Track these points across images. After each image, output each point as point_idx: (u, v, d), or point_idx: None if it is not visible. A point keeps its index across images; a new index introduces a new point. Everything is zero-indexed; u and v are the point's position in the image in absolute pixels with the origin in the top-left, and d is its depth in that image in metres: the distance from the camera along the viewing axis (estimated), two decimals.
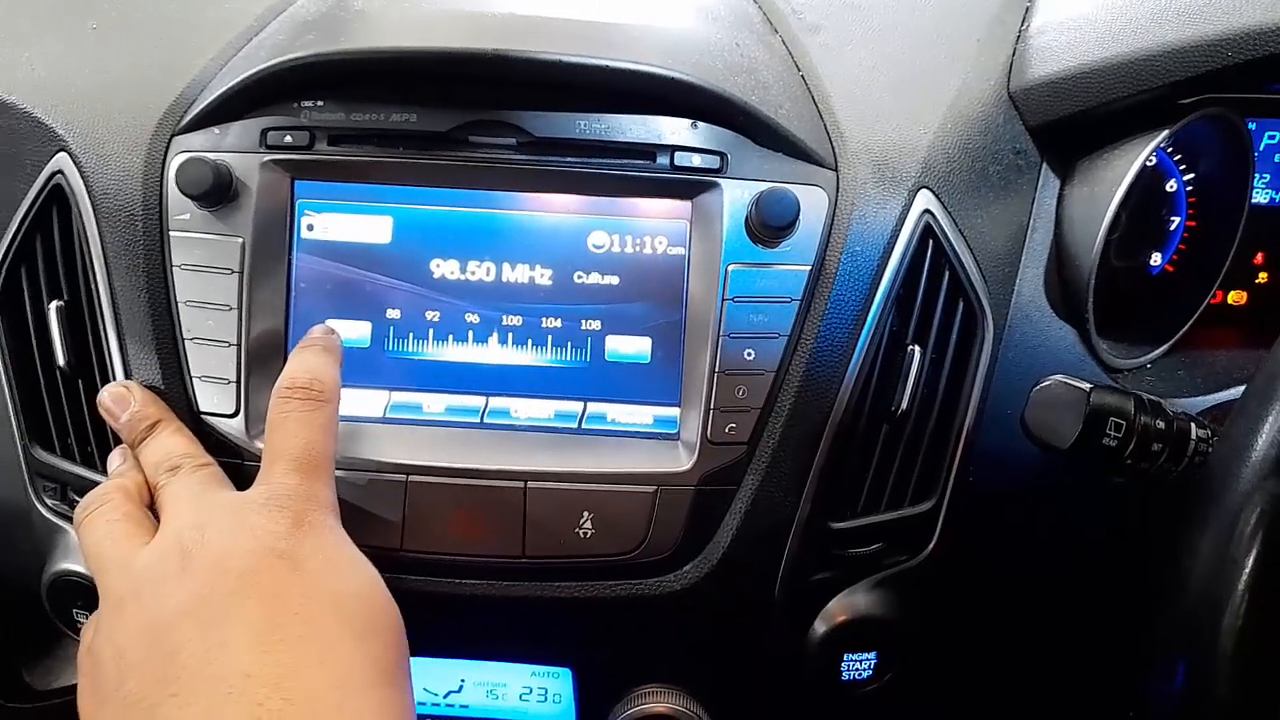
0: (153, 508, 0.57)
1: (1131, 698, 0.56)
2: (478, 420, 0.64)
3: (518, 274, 0.63)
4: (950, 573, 0.66)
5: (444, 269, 0.63)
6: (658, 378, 0.63)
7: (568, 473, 0.61)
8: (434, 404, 0.64)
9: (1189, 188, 0.73)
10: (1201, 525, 0.46)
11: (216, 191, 0.60)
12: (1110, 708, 0.69)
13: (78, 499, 0.59)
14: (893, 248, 0.62)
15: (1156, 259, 0.75)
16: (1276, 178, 0.76)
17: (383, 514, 0.61)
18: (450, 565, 0.62)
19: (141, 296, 0.62)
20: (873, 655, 0.66)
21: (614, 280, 0.63)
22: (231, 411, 0.62)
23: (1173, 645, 0.48)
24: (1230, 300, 0.79)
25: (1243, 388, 0.49)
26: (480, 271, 0.63)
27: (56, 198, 0.63)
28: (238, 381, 0.62)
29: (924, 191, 0.63)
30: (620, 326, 0.63)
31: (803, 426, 0.61)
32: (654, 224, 0.63)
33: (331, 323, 0.63)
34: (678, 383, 0.63)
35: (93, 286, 0.63)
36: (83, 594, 0.64)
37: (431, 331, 0.64)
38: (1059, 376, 0.56)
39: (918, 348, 0.62)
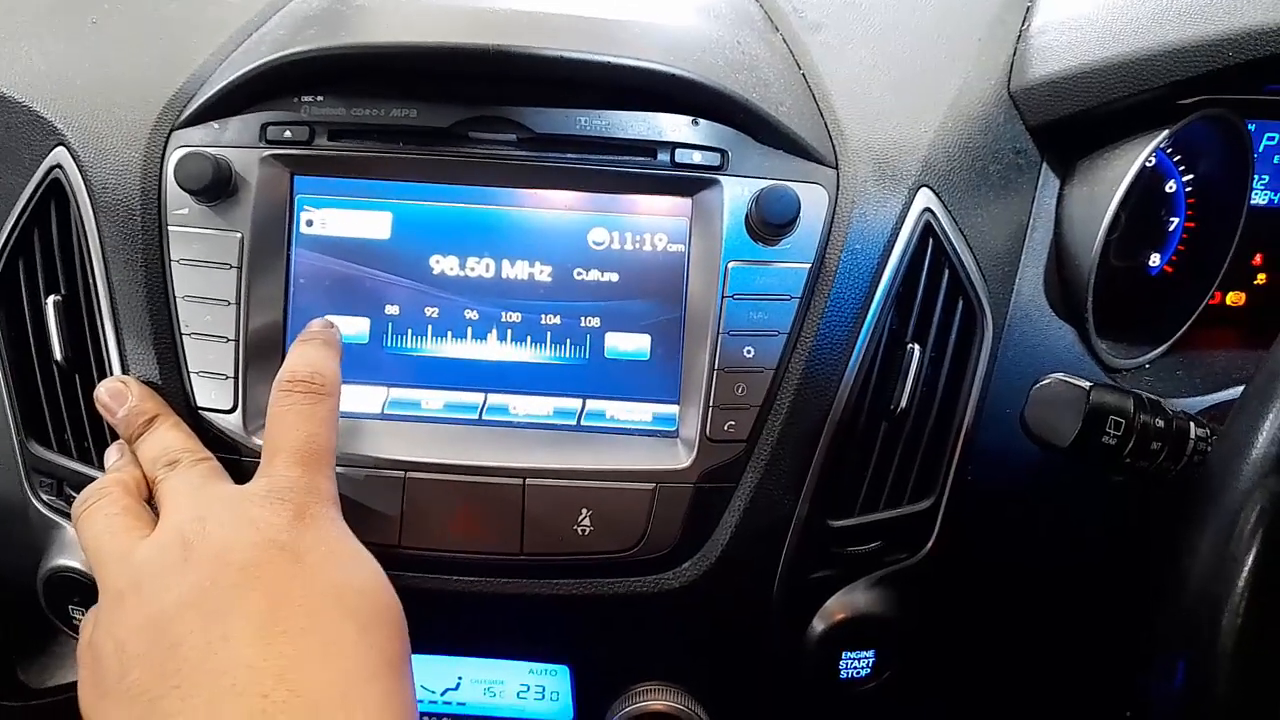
0: (150, 503, 0.57)
1: (1130, 696, 0.56)
2: (476, 417, 0.64)
3: (517, 270, 0.63)
4: (949, 571, 0.66)
5: (443, 265, 0.63)
6: (657, 375, 0.63)
7: (566, 470, 0.61)
8: (432, 400, 0.64)
9: (1188, 188, 0.73)
10: (1201, 523, 0.46)
11: (216, 186, 0.60)
12: (1109, 706, 0.70)
13: (74, 495, 0.59)
14: (893, 246, 0.62)
15: (1155, 259, 0.75)
16: (1276, 179, 0.76)
17: (380, 511, 0.61)
18: (448, 562, 0.62)
19: (139, 291, 0.62)
20: (871, 653, 0.66)
21: (614, 277, 0.63)
22: (229, 407, 0.61)
23: (1172, 644, 0.48)
24: (1229, 301, 0.79)
25: (1241, 388, 0.49)
26: (480, 268, 0.63)
27: (55, 192, 0.63)
28: (236, 377, 0.61)
29: (924, 190, 0.62)
30: (620, 323, 0.63)
31: (802, 424, 0.61)
32: (654, 221, 0.63)
33: (330, 318, 0.63)
34: (677, 380, 0.63)
35: (90, 281, 0.62)
36: (79, 590, 0.64)
37: (430, 328, 0.64)
38: (1058, 375, 0.56)
39: (917, 346, 0.62)
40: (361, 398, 0.64)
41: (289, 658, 0.45)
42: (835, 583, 0.65)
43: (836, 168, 0.63)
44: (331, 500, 0.54)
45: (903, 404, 0.62)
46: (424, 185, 0.63)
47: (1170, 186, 0.73)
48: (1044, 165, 0.67)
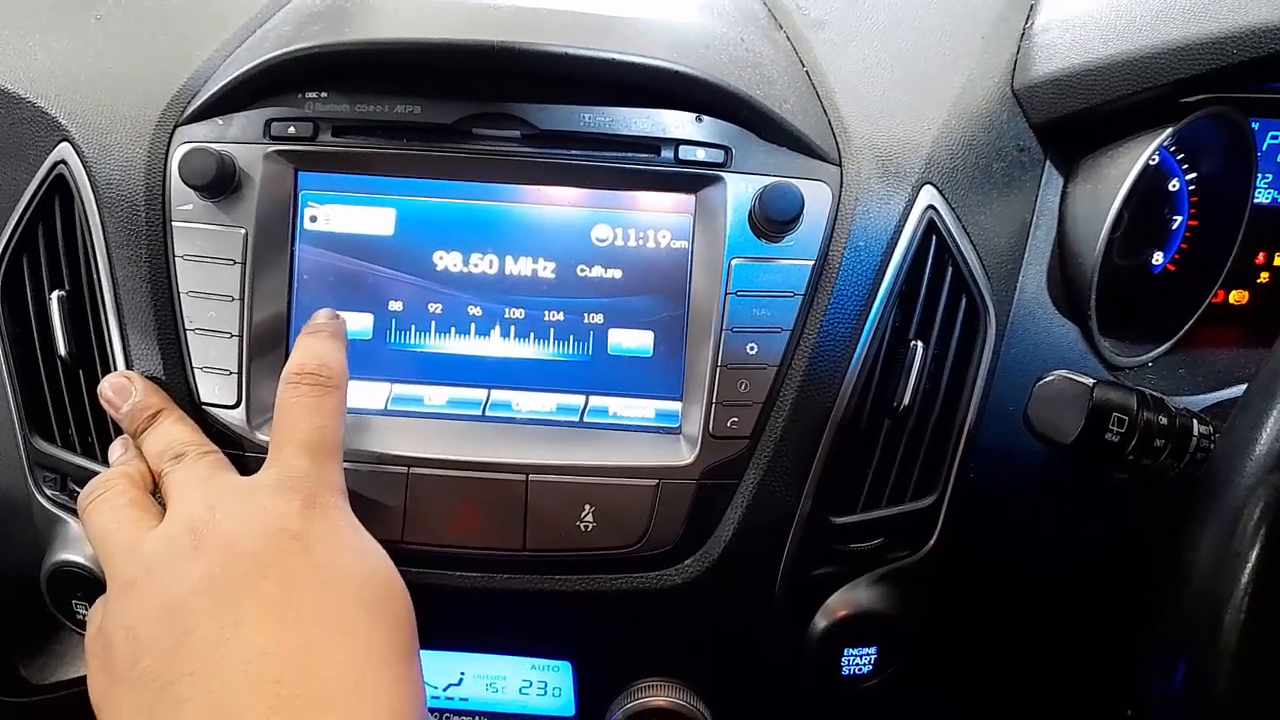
0: (156, 496, 0.57)
1: (1132, 694, 0.56)
2: (479, 413, 0.64)
3: (520, 267, 0.63)
4: (951, 568, 0.66)
5: (447, 261, 0.63)
6: (660, 371, 0.63)
7: (569, 465, 0.61)
8: (436, 396, 0.64)
9: (1191, 187, 0.73)
10: (1204, 520, 0.46)
11: (220, 182, 0.60)
12: (1111, 704, 0.70)
13: (78, 490, 0.59)
14: (896, 243, 0.62)
15: (1159, 258, 0.75)
16: (1279, 178, 0.76)
17: (384, 506, 0.61)
18: (451, 557, 0.62)
19: (143, 287, 0.62)
20: (873, 650, 0.66)
21: (617, 274, 0.63)
22: (233, 402, 0.61)
23: (1174, 642, 0.48)
24: (1232, 300, 0.79)
25: (1244, 386, 0.49)
26: (483, 264, 0.63)
27: (59, 187, 0.63)
28: (239, 372, 0.61)
29: (927, 187, 0.63)
30: (623, 320, 0.63)
31: (805, 421, 0.61)
32: (657, 218, 0.63)
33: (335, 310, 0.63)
34: (680, 377, 0.63)
35: (94, 276, 0.62)
36: (83, 585, 0.64)
37: (434, 324, 0.64)
38: (1062, 372, 0.56)
39: (920, 343, 0.62)
40: (365, 393, 0.64)
41: (301, 644, 0.46)
42: (837, 579, 0.65)
43: (840, 165, 0.63)
44: (340, 490, 0.55)
45: (905, 401, 0.62)
46: (427, 181, 0.63)
47: (1174, 185, 0.73)
48: (1047, 163, 0.67)
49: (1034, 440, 0.57)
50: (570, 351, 0.64)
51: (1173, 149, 0.72)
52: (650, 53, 0.60)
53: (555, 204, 0.63)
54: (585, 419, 0.64)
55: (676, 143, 0.62)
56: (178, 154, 0.61)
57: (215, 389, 0.62)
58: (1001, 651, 0.75)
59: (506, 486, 0.61)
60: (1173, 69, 0.60)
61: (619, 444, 0.63)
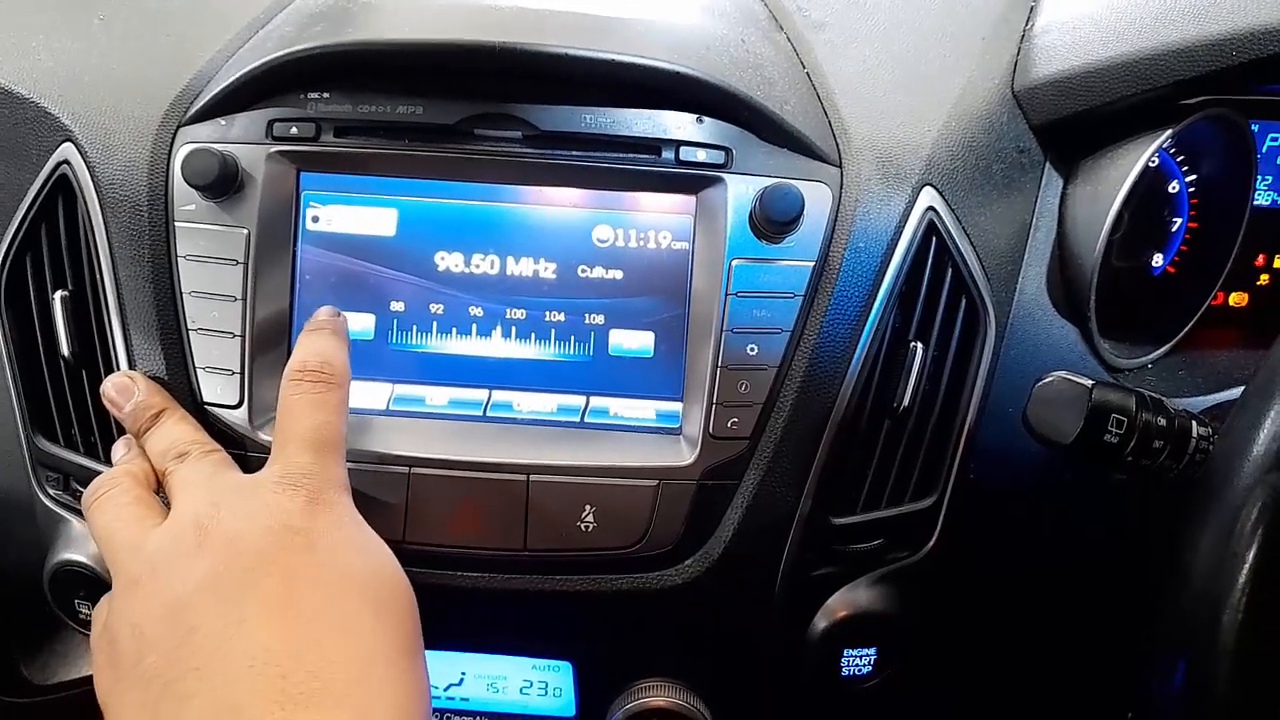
0: (159, 495, 0.57)
1: (1132, 695, 0.56)
2: (480, 413, 0.64)
3: (522, 268, 0.64)
4: (951, 569, 0.66)
5: (448, 262, 0.64)
6: (660, 372, 0.64)
7: (570, 466, 0.61)
8: (437, 397, 0.64)
9: (1191, 189, 0.73)
10: (1202, 520, 0.46)
11: (222, 182, 0.61)
12: (1111, 704, 0.70)
13: (81, 489, 0.60)
14: (896, 244, 0.62)
15: (1158, 260, 0.75)
16: (1278, 180, 0.76)
17: (385, 506, 0.61)
18: (452, 558, 0.62)
19: (146, 287, 0.62)
20: (873, 651, 0.66)
21: (618, 274, 0.63)
22: (235, 402, 0.62)
23: (1173, 642, 0.48)
24: (1231, 301, 0.79)
25: (1243, 388, 0.49)
26: (484, 265, 0.64)
27: (62, 187, 0.63)
28: (242, 372, 0.62)
29: (928, 189, 0.63)
30: (624, 321, 0.64)
31: (805, 422, 0.62)
32: (658, 219, 0.63)
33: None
34: (680, 377, 0.63)
35: (97, 276, 0.63)
36: (85, 584, 0.64)
37: (435, 324, 0.64)
38: (1061, 373, 0.56)
39: (920, 344, 0.62)
40: (366, 394, 0.64)
41: (306, 640, 0.46)
42: (837, 580, 0.65)
43: (840, 166, 0.63)
44: (344, 487, 0.55)
45: (905, 402, 0.62)
46: (429, 182, 0.63)
47: (1173, 187, 0.73)
48: (1047, 164, 0.67)
49: (1033, 441, 0.57)
50: (571, 352, 0.64)
51: (1173, 151, 0.72)
52: (651, 54, 0.60)
53: (556, 205, 0.64)
54: (586, 419, 0.64)
55: (677, 144, 0.62)
56: (180, 154, 0.62)
57: (218, 389, 0.62)
58: (1001, 652, 0.75)
59: (507, 487, 0.61)
60: (1172, 71, 0.60)
61: (620, 444, 0.63)
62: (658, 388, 0.64)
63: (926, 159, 0.63)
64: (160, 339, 0.62)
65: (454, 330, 0.64)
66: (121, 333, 0.62)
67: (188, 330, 0.62)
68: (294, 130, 0.62)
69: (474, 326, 0.64)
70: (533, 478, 0.61)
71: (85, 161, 0.62)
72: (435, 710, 0.73)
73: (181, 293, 0.62)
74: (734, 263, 0.61)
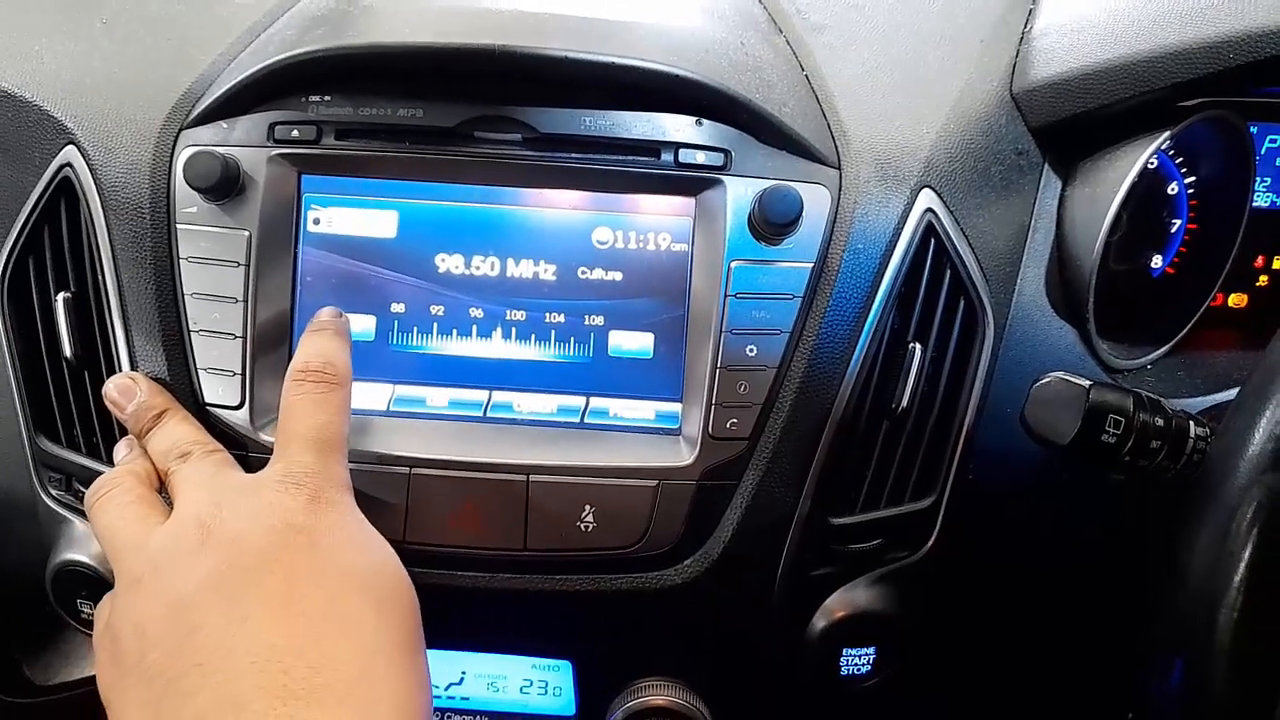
0: (161, 494, 0.57)
1: (1131, 695, 0.56)
2: (480, 414, 0.64)
3: (522, 269, 0.64)
4: (949, 569, 0.66)
5: (449, 264, 0.64)
6: (660, 373, 0.64)
7: (570, 466, 0.61)
8: (437, 398, 0.65)
9: (1190, 191, 0.74)
10: (1199, 520, 0.46)
11: (224, 185, 0.61)
12: (1109, 704, 0.70)
13: (83, 490, 0.60)
14: (895, 246, 0.62)
15: (1157, 261, 0.75)
16: (1277, 181, 0.77)
17: (386, 506, 0.61)
18: (452, 557, 0.62)
19: (148, 288, 0.62)
20: (872, 650, 0.66)
21: (617, 276, 0.64)
22: (237, 403, 0.62)
23: (1170, 642, 0.48)
24: (1230, 303, 0.80)
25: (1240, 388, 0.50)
26: (485, 266, 0.64)
27: (65, 190, 0.64)
28: (243, 374, 0.62)
29: (926, 190, 0.63)
30: (623, 322, 0.64)
31: (804, 422, 0.62)
32: (658, 220, 0.64)
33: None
34: (680, 378, 0.64)
35: (100, 278, 0.63)
36: (87, 584, 0.65)
37: (435, 326, 0.64)
38: (1058, 373, 0.56)
39: (919, 345, 0.63)
40: (367, 395, 0.64)
41: (308, 637, 0.46)
42: (836, 580, 0.65)
43: (839, 168, 0.63)
44: (345, 486, 0.55)
45: (904, 403, 0.63)
46: (429, 184, 0.64)
47: (1172, 188, 0.73)
48: (1046, 166, 0.68)
49: (1032, 442, 0.57)
50: (571, 353, 0.64)
51: (1171, 153, 0.72)
52: (651, 56, 0.60)
53: (556, 207, 0.64)
54: (586, 420, 0.64)
55: (676, 146, 0.62)
56: (182, 157, 0.62)
57: (219, 390, 0.62)
58: (1000, 652, 0.75)
59: (508, 487, 0.61)
60: (1170, 73, 0.60)
61: (619, 445, 0.63)
62: (657, 388, 0.64)
63: (925, 161, 0.63)
64: (162, 340, 0.62)
65: (454, 331, 0.64)
66: (123, 334, 0.63)
67: (189, 331, 0.62)
68: (295, 133, 0.63)
69: (474, 328, 0.64)
70: (533, 478, 0.61)
71: (88, 164, 0.63)
72: (436, 709, 0.73)
73: (183, 294, 0.62)
74: (733, 264, 0.61)
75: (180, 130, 0.63)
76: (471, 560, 0.63)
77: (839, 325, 0.61)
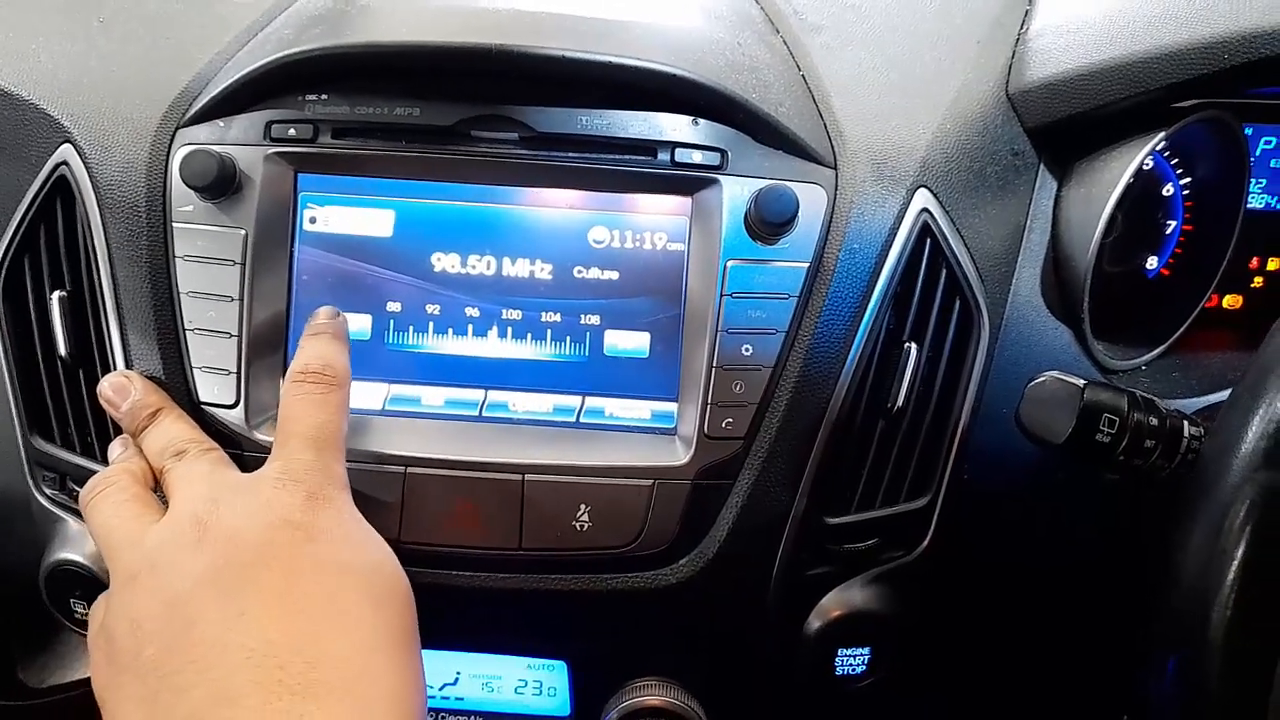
0: (156, 493, 0.57)
1: (1128, 694, 0.56)
2: (476, 413, 0.64)
3: (518, 268, 0.64)
4: (945, 569, 0.66)
5: (445, 263, 0.64)
6: (656, 373, 0.64)
7: (565, 465, 0.61)
8: (433, 397, 0.65)
9: (1185, 192, 0.74)
10: (1192, 518, 0.46)
11: (220, 183, 0.61)
12: (1106, 703, 0.70)
13: (77, 489, 0.60)
14: (890, 246, 0.62)
15: (1153, 262, 0.76)
16: (1272, 183, 0.77)
17: (381, 505, 0.61)
18: (448, 557, 0.62)
19: (144, 287, 0.62)
20: (867, 650, 0.66)
21: (614, 275, 0.64)
22: (232, 402, 0.62)
23: (1165, 641, 0.48)
24: (1226, 304, 0.80)
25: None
26: (481, 266, 0.64)
27: (60, 188, 0.64)
28: (238, 372, 0.62)
29: (922, 190, 0.63)
30: (619, 321, 0.64)
31: (799, 422, 0.62)
32: (654, 220, 0.64)
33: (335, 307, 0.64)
34: (676, 377, 0.64)
35: (95, 277, 0.63)
36: (81, 583, 0.65)
37: (431, 325, 0.64)
38: (1053, 373, 0.56)
39: (914, 345, 0.63)
40: (363, 394, 0.64)
41: (305, 632, 0.46)
42: (831, 580, 0.66)
43: (835, 168, 0.63)
44: (343, 484, 0.56)
45: (899, 402, 0.63)
46: (426, 183, 0.64)
47: (1168, 190, 0.74)
48: (1041, 167, 0.68)
49: (1027, 441, 0.57)
50: (567, 352, 0.64)
51: (1167, 154, 0.73)
52: (647, 56, 0.61)
53: (552, 206, 0.64)
54: (581, 419, 0.64)
55: (673, 145, 0.62)
56: (179, 155, 0.62)
57: (214, 389, 0.62)
58: (996, 652, 0.75)
59: (503, 486, 0.61)
60: (1165, 74, 0.61)
61: (615, 444, 0.63)
62: (653, 388, 0.64)
63: (921, 161, 0.63)
64: (157, 339, 0.62)
65: (450, 331, 0.64)
66: (119, 333, 0.63)
67: (185, 330, 0.62)
68: (292, 132, 0.63)
69: (470, 327, 0.64)
70: (528, 477, 0.61)
71: (84, 162, 0.63)
72: (431, 710, 0.73)
73: (179, 293, 0.62)
74: (729, 264, 0.61)
75: (177, 129, 0.63)
76: (467, 559, 0.63)
77: (834, 325, 0.62)
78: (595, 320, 0.64)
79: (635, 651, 0.69)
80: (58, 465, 0.66)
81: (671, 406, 0.64)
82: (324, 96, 0.63)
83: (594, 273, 0.64)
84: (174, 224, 0.62)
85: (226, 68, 0.64)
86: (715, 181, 0.62)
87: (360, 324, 0.64)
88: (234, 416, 0.62)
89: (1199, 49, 0.59)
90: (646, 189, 0.63)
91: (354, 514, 0.55)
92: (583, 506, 0.61)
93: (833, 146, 0.64)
